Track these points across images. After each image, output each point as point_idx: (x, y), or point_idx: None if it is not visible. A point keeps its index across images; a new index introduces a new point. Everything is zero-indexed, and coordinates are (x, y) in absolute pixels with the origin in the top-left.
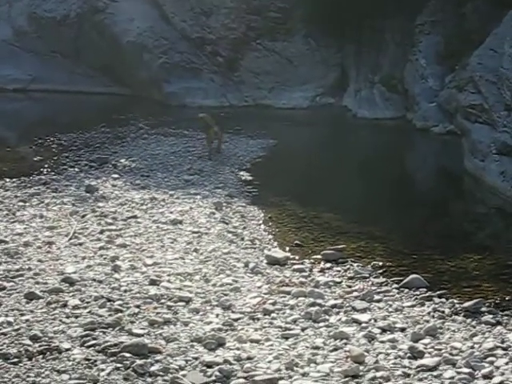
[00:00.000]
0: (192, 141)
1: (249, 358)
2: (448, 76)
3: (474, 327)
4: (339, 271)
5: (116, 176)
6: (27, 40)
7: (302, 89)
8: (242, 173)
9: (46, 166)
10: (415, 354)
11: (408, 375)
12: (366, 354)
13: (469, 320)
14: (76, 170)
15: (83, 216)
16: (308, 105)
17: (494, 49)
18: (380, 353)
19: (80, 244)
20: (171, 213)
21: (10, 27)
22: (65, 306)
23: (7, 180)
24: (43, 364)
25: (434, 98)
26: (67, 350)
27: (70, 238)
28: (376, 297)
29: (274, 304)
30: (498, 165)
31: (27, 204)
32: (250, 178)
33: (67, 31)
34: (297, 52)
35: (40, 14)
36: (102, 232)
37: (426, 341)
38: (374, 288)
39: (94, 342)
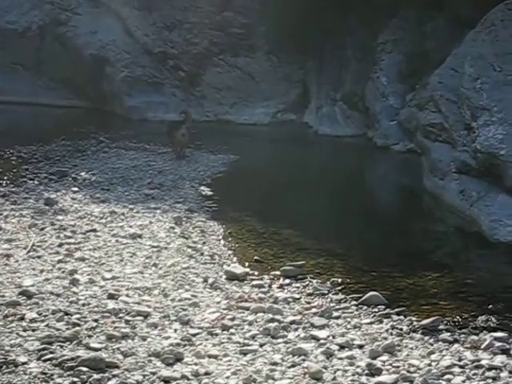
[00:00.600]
0: (153, 155)
1: (207, 374)
2: (409, 94)
3: (432, 345)
4: (298, 287)
5: (76, 189)
6: None
7: (263, 105)
8: (202, 188)
9: (5, 178)
10: (373, 371)
11: None
12: (323, 370)
13: (426, 337)
14: (35, 182)
15: (42, 229)
16: (269, 121)
17: (454, 68)
18: (338, 369)
19: (38, 257)
20: (131, 227)
21: None
22: (22, 319)
23: None
24: None
25: (395, 117)
26: (24, 363)
27: (29, 251)
28: (335, 313)
29: (232, 319)
30: (458, 183)
31: None
32: (211, 193)
33: (29, 43)
34: (259, 68)
35: (1, 25)
36: (60, 245)
37: (384, 358)
38: (332, 305)
39: (51, 355)
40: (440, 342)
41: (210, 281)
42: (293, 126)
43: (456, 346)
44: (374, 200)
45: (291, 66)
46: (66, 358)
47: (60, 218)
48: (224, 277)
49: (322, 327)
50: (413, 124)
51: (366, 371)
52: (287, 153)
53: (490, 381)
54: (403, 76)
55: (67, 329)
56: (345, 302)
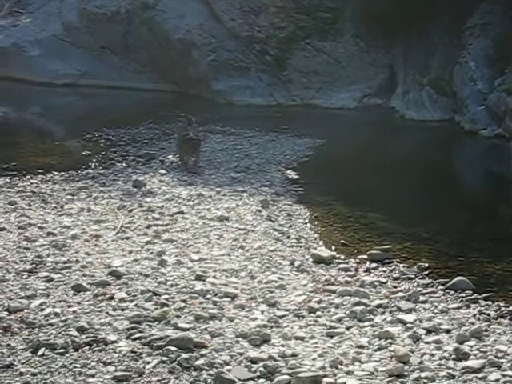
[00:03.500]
0: (239, 139)
1: (293, 355)
2: (497, 79)
3: None
4: (385, 271)
5: (163, 172)
6: (77, 35)
7: (349, 89)
8: (288, 171)
9: (93, 160)
10: (460, 356)
11: (453, 376)
12: (410, 354)
13: None
14: (124, 164)
15: (130, 210)
16: (355, 105)
17: None
18: (425, 353)
19: (127, 238)
20: (218, 209)
21: (60, 22)
22: (111, 298)
23: (55, 173)
24: (89, 355)
25: (483, 101)
26: (113, 342)
27: (117, 232)
28: (421, 298)
29: (319, 302)
30: None
31: (75, 197)
32: (297, 176)
33: (117, 27)
34: (346, 52)
35: (90, 9)
36: (148, 227)
37: (472, 343)
38: (419, 289)
39: (139, 334)
40: None
41: (297, 263)
42: (379, 110)
43: None
44: (462, 185)
45: (378, 50)
46: (154, 337)
47: (148, 200)
48: (310, 260)
49: (408, 311)
50: (501, 109)
51: (453, 356)
52: (373, 137)
53: None
54: (491, 60)
55: (156, 309)
56: (431, 286)
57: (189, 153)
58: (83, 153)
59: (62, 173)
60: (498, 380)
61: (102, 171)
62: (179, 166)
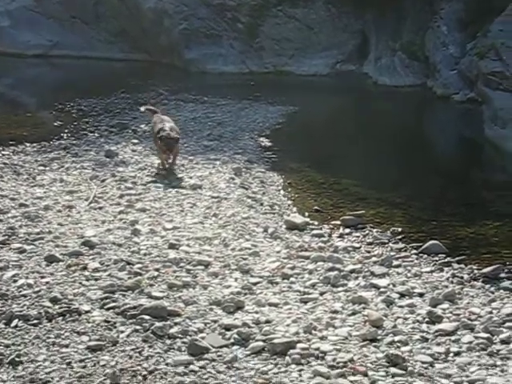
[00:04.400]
0: (212, 107)
1: (267, 322)
2: (469, 43)
3: (493, 293)
4: (358, 237)
5: (136, 141)
6: (47, 6)
7: (322, 56)
8: (261, 139)
9: (65, 131)
10: (433, 319)
11: (426, 340)
12: (384, 318)
13: (487, 286)
14: (96, 135)
15: (103, 180)
16: (328, 72)
17: None
18: (398, 317)
19: (100, 208)
20: (191, 178)
21: None
22: (85, 268)
23: (27, 145)
24: (63, 326)
25: (455, 66)
26: (87, 312)
27: (90, 202)
28: (395, 262)
29: (292, 268)
30: None
31: (47, 168)
32: (270, 144)
33: None
34: (317, 18)
35: None
36: (121, 196)
37: (445, 306)
38: (392, 253)
39: (113, 304)
40: (501, 290)
41: (270, 230)
42: (352, 76)
43: None
44: (434, 150)
45: (350, 16)
46: (128, 306)
47: (121, 169)
48: (284, 227)
49: (382, 276)
50: (473, 73)
51: (427, 319)
52: (346, 103)
53: None
54: (463, 24)
55: (129, 278)
56: (405, 250)
57: (165, 151)
58: (55, 124)
59: (34, 144)
60: (471, 342)
61: (74, 142)
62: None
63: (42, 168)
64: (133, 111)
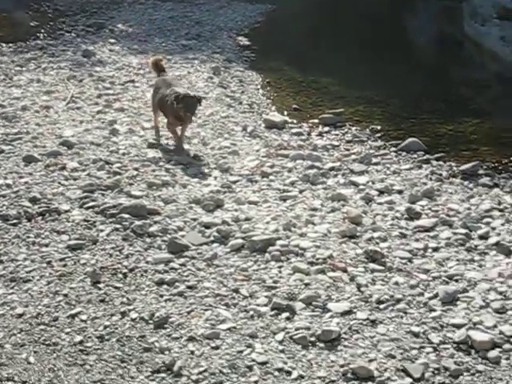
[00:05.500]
0: (190, 6)
1: (247, 219)
2: None
3: (471, 189)
4: (337, 135)
5: (113, 41)
6: None
7: None
8: (240, 38)
9: (42, 31)
10: (412, 216)
11: (405, 236)
12: (363, 215)
13: (466, 182)
14: (73, 35)
15: (80, 80)
16: None
17: None
18: (377, 214)
19: (78, 108)
20: None
21: None
22: (63, 168)
23: (3, 45)
24: (42, 225)
25: None
26: (66, 211)
27: (68, 103)
28: (374, 160)
29: (272, 167)
30: (499, 29)
31: (24, 69)
32: (248, 42)
33: None
34: None
35: None
36: (99, 96)
37: (423, 202)
38: (371, 151)
39: (92, 203)
40: (479, 187)
41: (249, 129)
42: None
43: (495, 190)
44: (413, 48)
45: None
46: (107, 205)
47: (98, 69)
48: (263, 125)
49: (361, 173)
50: None
51: (405, 215)
52: (325, 1)
53: None
54: None
55: (108, 177)
56: (384, 148)
57: (180, 118)
58: (31, 24)
59: (10, 44)
60: (449, 238)
61: (50, 42)
62: (129, 35)
63: (18, 68)
64: (110, 10)
